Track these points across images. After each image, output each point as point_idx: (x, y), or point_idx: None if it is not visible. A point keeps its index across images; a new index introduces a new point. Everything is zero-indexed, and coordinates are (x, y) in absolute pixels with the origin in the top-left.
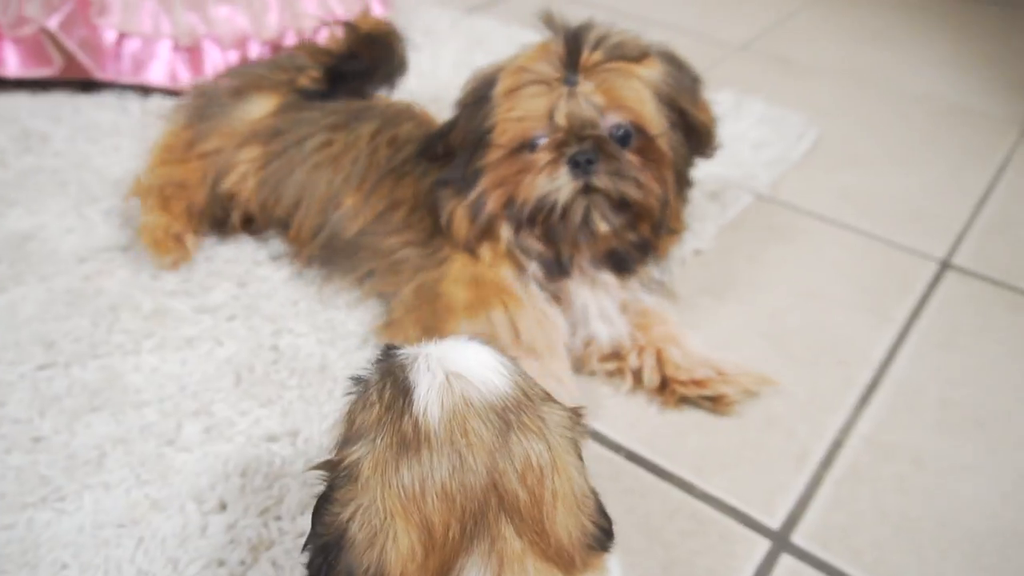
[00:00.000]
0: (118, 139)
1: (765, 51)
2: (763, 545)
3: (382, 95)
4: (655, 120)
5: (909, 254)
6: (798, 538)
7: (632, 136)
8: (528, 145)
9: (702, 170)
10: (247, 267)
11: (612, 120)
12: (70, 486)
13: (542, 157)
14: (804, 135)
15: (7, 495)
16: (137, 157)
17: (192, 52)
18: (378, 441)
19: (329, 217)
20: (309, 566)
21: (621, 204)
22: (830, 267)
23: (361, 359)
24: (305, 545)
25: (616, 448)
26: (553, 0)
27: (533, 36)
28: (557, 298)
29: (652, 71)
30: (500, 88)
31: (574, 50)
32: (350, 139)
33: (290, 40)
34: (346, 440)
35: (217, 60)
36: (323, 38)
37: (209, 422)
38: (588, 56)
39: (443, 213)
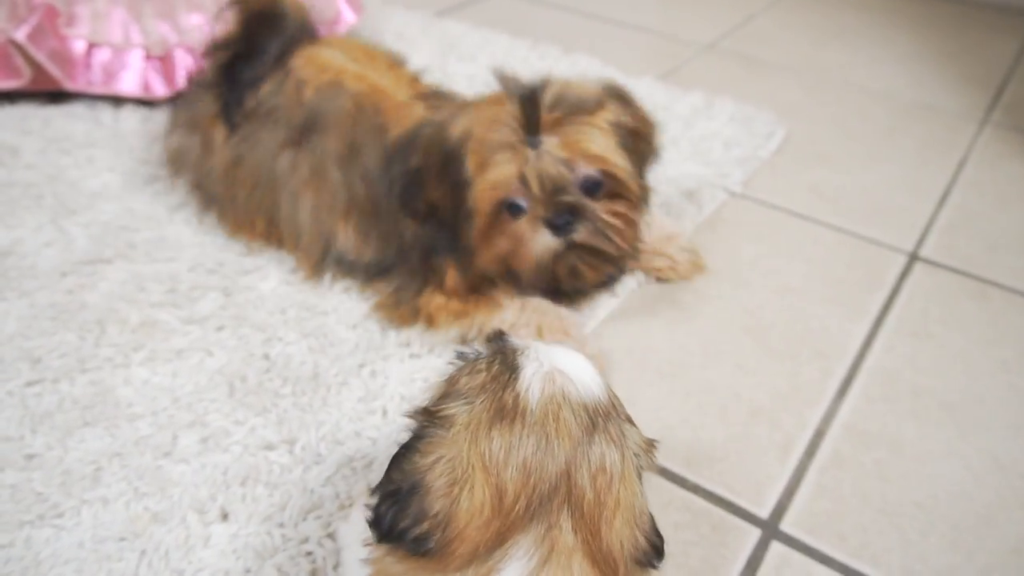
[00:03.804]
0: (92, 151)
1: (731, 50)
2: (754, 534)
3: (304, 53)
4: (621, 164)
5: (879, 247)
6: (787, 526)
7: (602, 184)
8: (505, 206)
9: (677, 169)
10: (232, 277)
11: (582, 171)
12: (67, 502)
13: (524, 225)
14: (773, 133)
15: (3, 514)
16: (112, 169)
17: (164, 61)
18: (477, 403)
19: (332, 245)
20: (375, 510)
21: (603, 253)
22: (804, 262)
23: (353, 365)
24: (374, 490)
25: None
26: (520, 4)
27: (505, 40)
28: None
29: (610, 116)
30: (471, 165)
31: (532, 113)
32: (315, 161)
33: None
34: (444, 396)
35: (191, 69)
36: (216, 32)
37: (205, 433)
38: (548, 116)
39: (440, 273)
